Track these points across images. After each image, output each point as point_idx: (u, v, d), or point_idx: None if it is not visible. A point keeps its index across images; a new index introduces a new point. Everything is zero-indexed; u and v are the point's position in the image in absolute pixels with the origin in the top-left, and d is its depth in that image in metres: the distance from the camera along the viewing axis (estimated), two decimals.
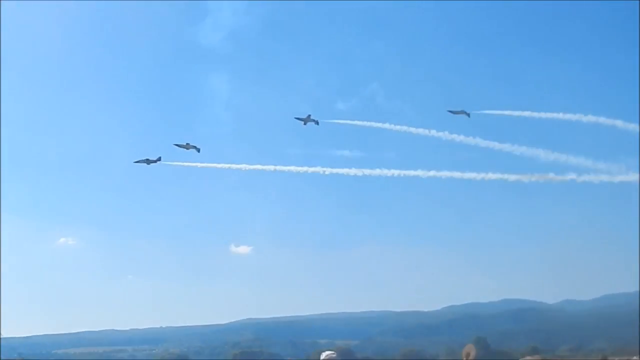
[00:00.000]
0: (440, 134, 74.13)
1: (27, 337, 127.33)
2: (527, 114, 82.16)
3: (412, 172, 79.88)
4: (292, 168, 64.91)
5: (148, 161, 57.44)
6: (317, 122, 64.35)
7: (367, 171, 75.33)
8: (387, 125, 75.37)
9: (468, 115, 70.62)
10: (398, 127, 73.15)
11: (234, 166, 64.74)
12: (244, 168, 60.67)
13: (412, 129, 72.60)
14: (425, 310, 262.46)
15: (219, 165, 66.02)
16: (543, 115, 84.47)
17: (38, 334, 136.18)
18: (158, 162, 57.66)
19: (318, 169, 67.88)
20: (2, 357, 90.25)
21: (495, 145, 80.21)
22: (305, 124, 64.46)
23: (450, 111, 70.39)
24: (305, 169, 65.27)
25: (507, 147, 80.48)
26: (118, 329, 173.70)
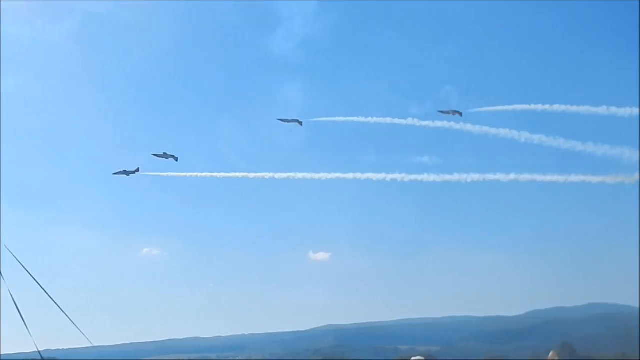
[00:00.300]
0: (520, 134, 72.72)
1: (116, 345, 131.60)
2: (603, 109, 79.36)
3: (491, 177, 78.40)
4: (371, 175, 64.45)
5: (126, 172, 57.16)
6: (300, 123, 63.89)
7: (446, 177, 74.42)
8: (409, 121, 71.71)
9: (460, 114, 65.38)
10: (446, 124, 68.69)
11: (307, 175, 64.53)
12: (323, 177, 60.21)
13: (492, 130, 70.92)
14: (508, 315, 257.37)
15: (194, 174, 64.26)
16: (621, 111, 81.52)
17: (126, 342, 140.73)
18: (136, 172, 57.52)
19: (396, 175, 67.41)
20: None
21: (577, 145, 78.11)
22: (288, 122, 63.53)
23: (441, 111, 65.78)
24: (383, 176, 64.94)
25: (589, 147, 78.12)
26: (202, 336, 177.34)
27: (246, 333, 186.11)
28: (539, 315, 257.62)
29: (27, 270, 49.35)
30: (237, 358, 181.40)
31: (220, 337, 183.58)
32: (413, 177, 71.84)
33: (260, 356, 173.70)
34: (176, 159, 58.74)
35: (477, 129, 74.64)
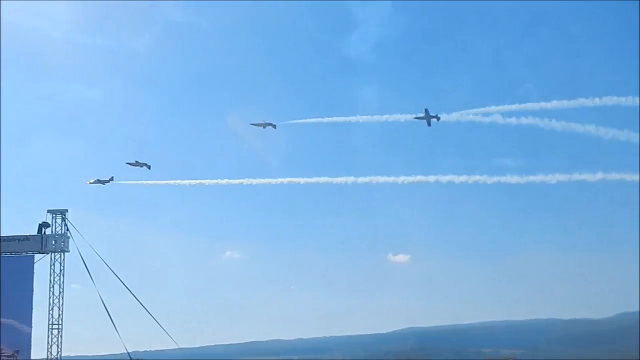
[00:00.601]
0: (607, 131, 70.36)
1: (201, 347, 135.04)
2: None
3: (577, 176, 75.90)
4: (453, 178, 63.43)
5: (100, 181, 58.68)
6: (274, 126, 61.95)
7: (530, 178, 72.26)
8: (492, 118, 67.08)
9: (437, 118, 59.79)
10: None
11: (388, 179, 64.02)
12: (405, 181, 59.05)
13: (578, 127, 68.53)
14: (595, 317, 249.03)
15: (171, 182, 64.36)
16: None
17: (210, 344, 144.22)
18: (111, 181, 58.71)
19: (478, 177, 66.27)
20: None
21: None
22: (264, 127, 60.69)
23: (417, 117, 60.11)
24: (465, 178, 64.09)
25: None
26: (284, 338, 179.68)
27: (327, 335, 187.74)
28: (629, 318, 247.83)
29: (116, 275, 51.70)
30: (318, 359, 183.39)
31: (302, 339, 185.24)
32: (496, 178, 70.18)
33: (341, 358, 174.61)
34: (149, 167, 59.28)
35: (562, 125, 72.82)
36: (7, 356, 49.32)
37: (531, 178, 73.59)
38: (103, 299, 51.01)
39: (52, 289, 51.68)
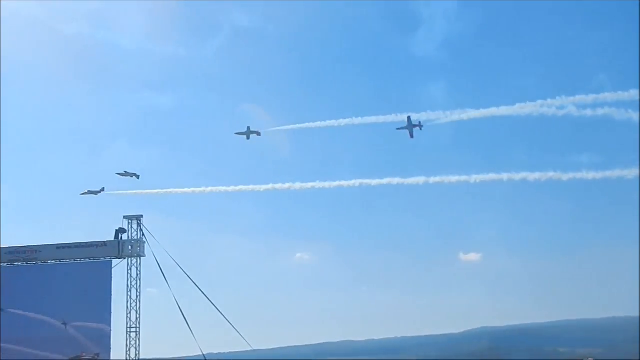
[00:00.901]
0: None
1: (274, 348, 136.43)
2: None
3: None
4: (527, 175, 61.56)
5: (92, 192, 58.65)
6: (259, 134, 60.49)
7: (606, 173, 69.49)
8: (567, 110, 62.65)
9: (420, 127, 54.50)
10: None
11: (460, 178, 62.09)
12: (477, 179, 57.32)
13: None
14: None
15: (161, 191, 63.98)
16: None
17: (283, 345, 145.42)
18: (101, 192, 58.73)
19: (552, 174, 64.23)
20: None
21: None
22: (248, 137, 58.79)
23: (398, 128, 55.12)
24: (539, 175, 62.30)
25: None
26: (355, 339, 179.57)
27: (399, 336, 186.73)
28: None
29: (190, 279, 52.72)
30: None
31: (373, 340, 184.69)
32: (571, 175, 67.81)
33: (413, 359, 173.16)
34: (138, 177, 59.20)
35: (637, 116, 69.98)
36: (89, 359, 50.94)
37: (608, 173, 71.01)
38: (178, 302, 52.08)
39: (129, 293, 53.06)
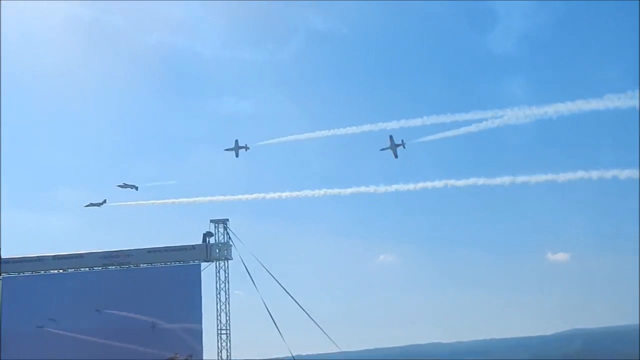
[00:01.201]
0: None
1: (362, 350, 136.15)
2: None
3: None
4: (618, 172, 58.68)
5: (94, 204, 59.17)
6: (247, 148, 57.81)
7: None
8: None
9: (404, 146, 52.30)
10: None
11: (548, 177, 60.03)
12: (566, 178, 54.93)
13: None
14: None
15: (158, 202, 63.19)
16: None
17: (370, 347, 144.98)
18: (103, 204, 59.25)
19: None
20: None
21: None
22: (237, 155, 58.04)
23: (382, 149, 52.87)
24: (629, 172, 59.35)
25: None
26: (443, 342, 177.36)
27: (487, 338, 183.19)
28: None
29: (277, 281, 52.98)
30: None
31: (461, 342, 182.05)
32: None
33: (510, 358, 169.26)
34: (136, 189, 59.64)
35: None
36: (183, 359, 51.85)
37: None
38: (266, 304, 52.35)
39: (218, 296, 53.67)
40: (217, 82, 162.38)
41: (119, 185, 59.26)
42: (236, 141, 58.10)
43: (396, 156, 52.10)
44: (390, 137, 51.76)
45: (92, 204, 59.04)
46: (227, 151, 58.44)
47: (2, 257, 57.51)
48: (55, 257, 56.78)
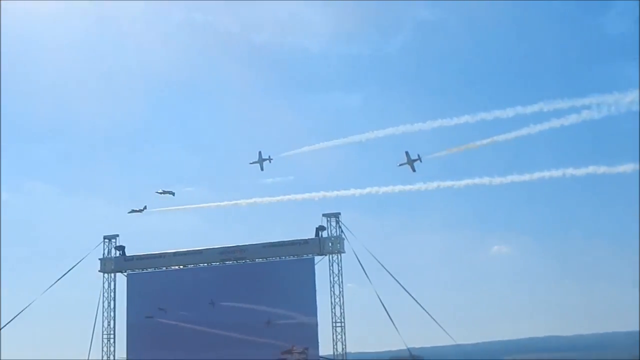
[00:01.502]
0: None
1: (477, 343, 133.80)
2: None
3: None
4: None
5: (135, 210, 59.93)
6: (270, 160, 57.25)
7: None
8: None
9: (420, 160, 51.78)
10: None
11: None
12: None
13: None
14: None
15: (193, 206, 61.87)
16: None
17: (486, 340, 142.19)
18: (144, 210, 59.95)
19: None
20: None
21: None
22: (262, 169, 57.61)
23: (400, 164, 52.21)
24: None
25: None
26: (562, 335, 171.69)
27: (609, 331, 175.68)
28: None
29: (390, 273, 52.90)
30: (601, 358, 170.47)
31: (581, 335, 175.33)
32: None
33: (626, 356, 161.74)
34: (173, 194, 60.04)
35: None
36: (299, 352, 52.64)
37: None
38: (380, 297, 52.30)
39: (332, 289, 54.02)
40: (325, 77, 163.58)
41: (158, 192, 60.77)
42: (259, 153, 58.11)
43: (414, 170, 52.04)
44: (406, 152, 51.77)
45: (134, 211, 60.75)
46: (252, 164, 58.44)
47: (127, 254, 60.49)
48: (175, 254, 59.12)
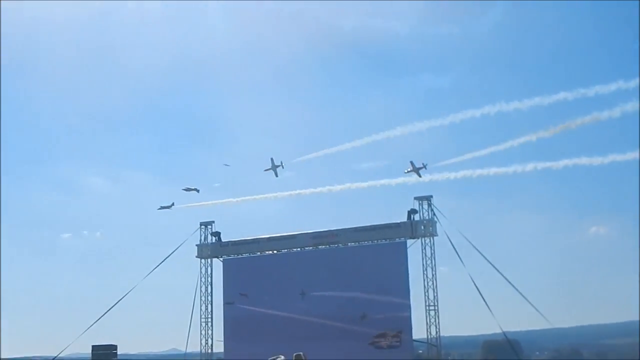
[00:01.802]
0: None
1: (574, 327, 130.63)
2: None
3: None
4: None
5: (164, 207, 60.58)
6: (282, 166, 56.73)
7: None
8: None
9: (425, 167, 52.68)
10: None
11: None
12: None
13: None
14: None
15: (223, 201, 62.70)
16: None
17: (583, 324, 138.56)
18: (172, 206, 60.57)
19: None
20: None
21: None
22: (276, 175, 57.06)
23: (407, 171, 53.43)
24: None
25: None
26: None
27: None
28: None
29: (484, 256, 52.19)
30: None
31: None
32: None
33: None
34: (197, 191, 60.14)
35: None
36: (392, 336, 52.73)
37: None
38: (474, 280, 51.70)
39: (425, 272, 53.76)
40: (415, 59, 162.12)
41: (184, 189, 61.18)
42: (272, 159, 57.52)
43: (420, 176, 53.00)
44: (411, 162, 52.56)
45: (163, 207, 61.44)
46: (266, 171, 58.04)
47: (223, 240, 61.93)
48: (269, 239, 60.11)
